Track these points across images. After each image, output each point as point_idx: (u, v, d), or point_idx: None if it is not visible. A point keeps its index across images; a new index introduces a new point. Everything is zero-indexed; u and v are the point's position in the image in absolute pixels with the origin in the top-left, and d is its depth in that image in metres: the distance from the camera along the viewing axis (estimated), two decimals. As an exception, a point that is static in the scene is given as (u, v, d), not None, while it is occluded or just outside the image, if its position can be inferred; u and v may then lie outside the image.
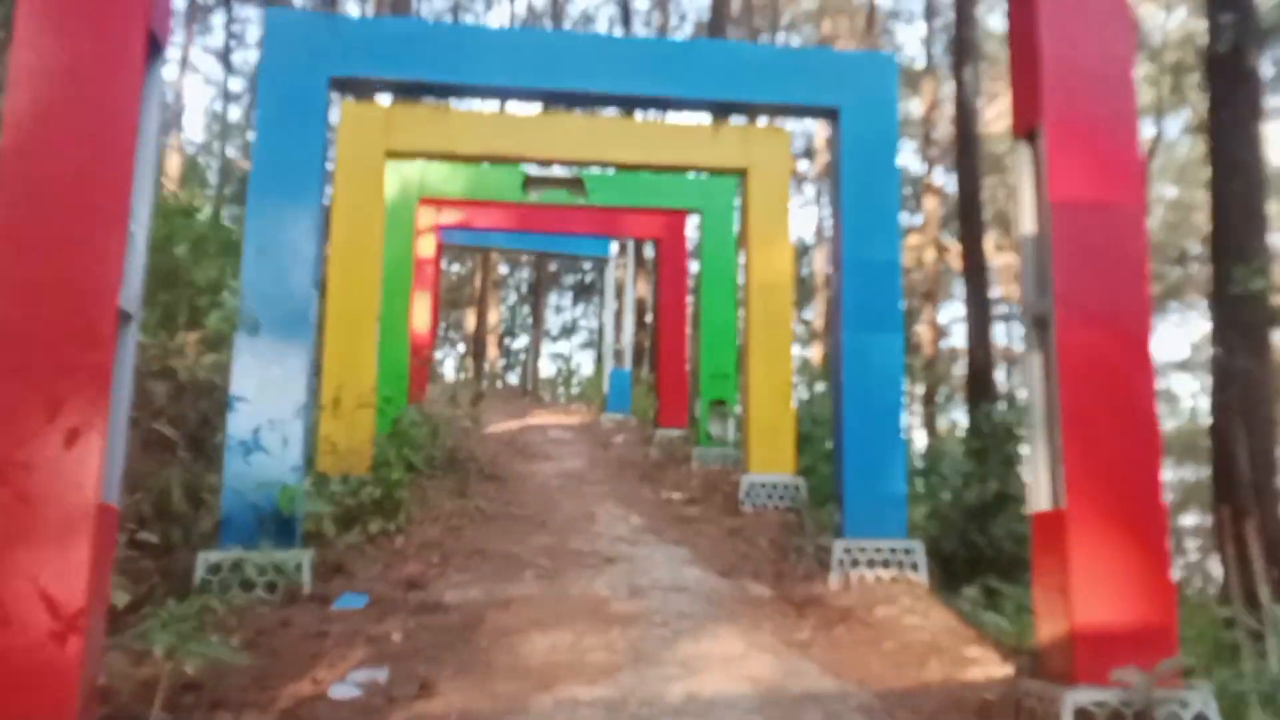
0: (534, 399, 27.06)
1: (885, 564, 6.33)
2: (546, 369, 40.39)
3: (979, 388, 16.29)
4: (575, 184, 11.05)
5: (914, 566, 6.35)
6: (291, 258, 5.85)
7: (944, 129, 26.69)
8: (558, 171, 11.91)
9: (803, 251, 30.03)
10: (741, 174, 9.59)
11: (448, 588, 5.80)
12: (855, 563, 6.31)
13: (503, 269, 43.62)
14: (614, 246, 18.52)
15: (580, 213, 13.73)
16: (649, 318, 25.74)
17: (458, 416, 11.29)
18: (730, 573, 6.42)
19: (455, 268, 44.41)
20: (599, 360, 21.83)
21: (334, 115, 7.63)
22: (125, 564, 5.43)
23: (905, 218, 30.53)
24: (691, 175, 13.55)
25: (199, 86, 38.03)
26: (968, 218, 16.83)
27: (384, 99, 8.91)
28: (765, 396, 9.27)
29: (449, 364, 48.12)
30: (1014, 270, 30.36)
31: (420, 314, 13.17)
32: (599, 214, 13.96)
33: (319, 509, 5.82)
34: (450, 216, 13.67)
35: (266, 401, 5.71)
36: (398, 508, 7.21)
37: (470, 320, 41.72)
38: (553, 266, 41.69)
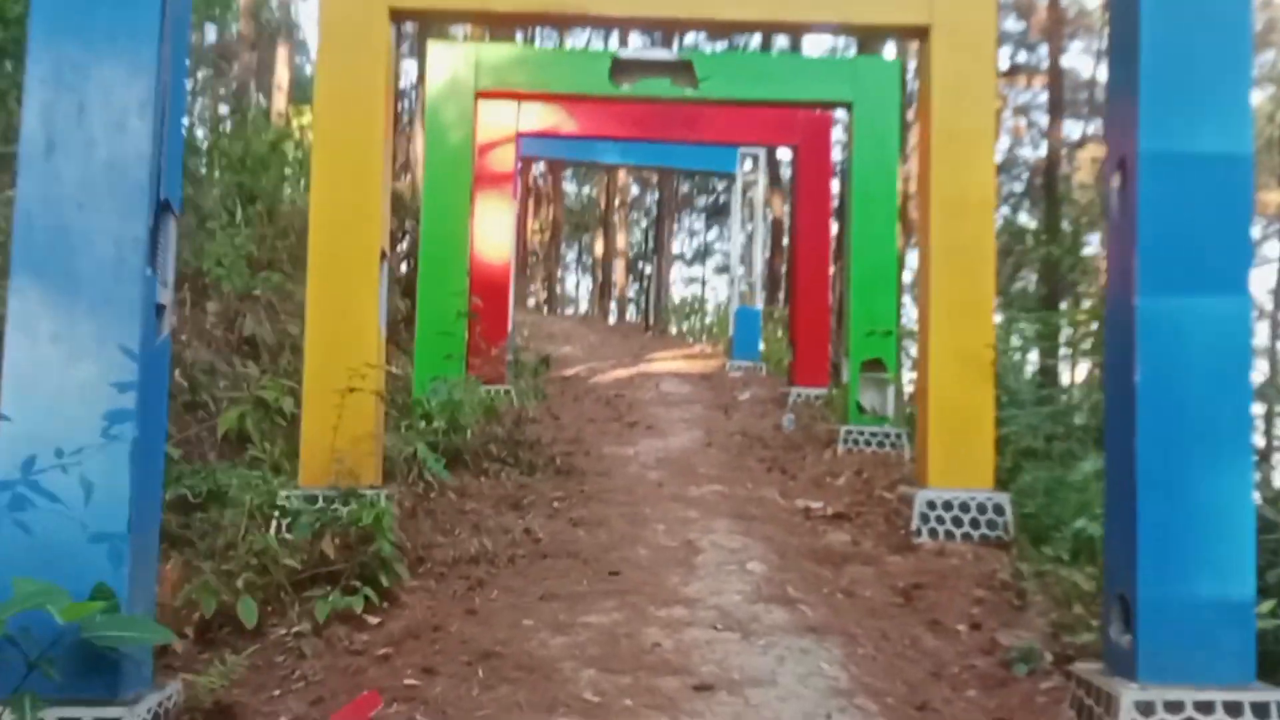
0: (656, 335, 24.37)
1: (1221, 734, 3.34)
2: (679, 295, 37.54)
3: None
4: (681, 69, 8.02)
5: (1273, 738, 3.34)
6: (112, 155, 3.15)
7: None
8: (658, 55, 8.88)
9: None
10: (918, 36, 6.44)
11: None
12: (1162, 730, 3.34)
13: (634, 189, 40.62)
14: (747, 162, 15.39)
15: (697, 113, 10.68)
16: (786, 241, 22.49)
17: (522, 389, 8.60)
18: (919, 727, 3.56)
19: (586, 190, 41.69)
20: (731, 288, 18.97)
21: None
22: None
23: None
24: (840, 57, 10.34)
25: None
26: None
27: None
28: (952, 370, 6.27)
29: (583, 290, 45.78)
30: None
31: (492, 243, 10.44)
32: (720, 114, 10.89)
33: (152, 638, 3.16)
34: (534, 119, 10.82)
35: (63, 416, 3.09)
36: (376, 562, 4.58)
37: (599, 247, 39.05)
38: (684, 187, 38.41)
